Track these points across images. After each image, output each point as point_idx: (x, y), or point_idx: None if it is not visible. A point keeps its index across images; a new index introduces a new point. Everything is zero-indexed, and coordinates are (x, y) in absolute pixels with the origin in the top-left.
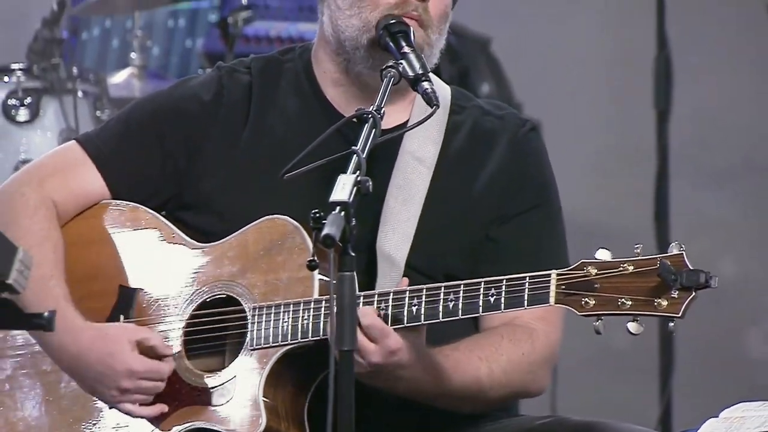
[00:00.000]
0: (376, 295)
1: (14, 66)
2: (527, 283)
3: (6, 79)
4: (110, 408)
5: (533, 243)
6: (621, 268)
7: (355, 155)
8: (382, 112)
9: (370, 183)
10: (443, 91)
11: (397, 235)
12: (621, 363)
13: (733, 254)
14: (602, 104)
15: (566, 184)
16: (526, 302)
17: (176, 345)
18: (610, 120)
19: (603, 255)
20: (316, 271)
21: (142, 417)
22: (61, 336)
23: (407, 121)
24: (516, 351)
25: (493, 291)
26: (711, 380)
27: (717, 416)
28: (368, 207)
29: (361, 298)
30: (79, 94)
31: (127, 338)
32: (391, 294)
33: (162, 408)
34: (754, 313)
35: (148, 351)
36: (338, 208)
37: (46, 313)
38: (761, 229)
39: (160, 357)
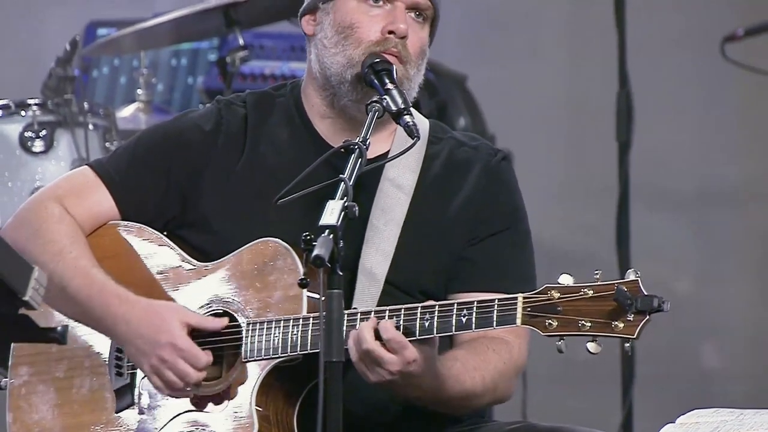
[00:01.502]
0: (359, 313)
1: (30, 101)
2: (496, 306)
3: (23, 113)
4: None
5: (503, 263)
6: (581, 293)
7: (342, 182)
8: (367, 142)
9: (357, 208)
10: (422, 123)
11: (378, 254)
12: (586, 373)
13: (688, 275)
14: (569, 136)
15: (535, 210)
16: (495, 323)
17: None
18: (576, 151)
19: (565, 280)
20: (306, 289)
21: (168, 396)
22: (117, 309)
23: (389, 150)
24: (500, 361)
25: (465, 312)
26: (668, 389)
27: (674, 422)
28: (352, 229)
29: (345, 315)
30: (90, 126)
31: (178, 317)
32: (372, 312)
33: (189, 395)
34: (706, 329)
35: (193, 335)
36: (327, 231)
37: (59, 328)
38: (713, 253)
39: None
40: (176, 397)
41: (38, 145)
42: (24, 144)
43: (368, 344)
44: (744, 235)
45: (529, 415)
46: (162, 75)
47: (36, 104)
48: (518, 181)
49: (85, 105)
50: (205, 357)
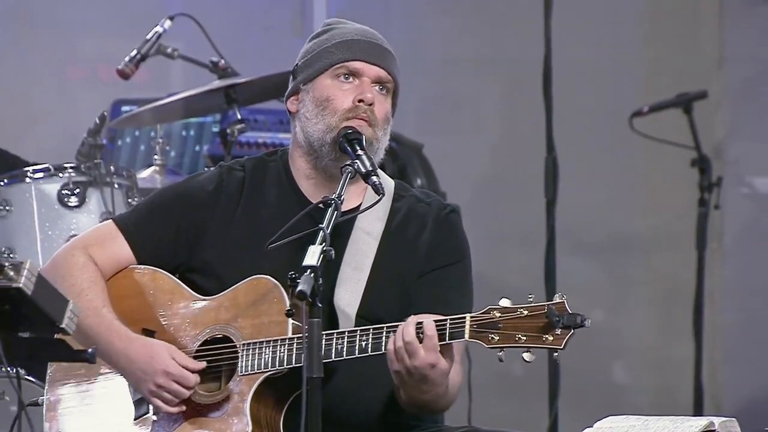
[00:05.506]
0: (344, 333)
1: (66, 165)
2: (448, 323)
3: (60, 175)
4: (142, 402)
5: (450, 290)
6: (518, 312)
7: (321, 231)
8: (342, 198)
9: (333, 252)
10: (388, 182)
11: (350, 292)
12: (520, 386)
13: (602, 306)
14: (506, 194)
15: (478, 254)
16: (447, 337)
17: None
18: (512, 206)
19: (505, 302)
20: (291, 318)
21: (167, 412)
22: (118, 345)
23: (360, 204)
24: (455, 377)
25: (422, 329)
26: (587, 399)
27: (592, 426)
28: (329, 270)
29: (330, 333)
30: (116, 186)
31: (168, 351)
32: (347, 333)
33: (181, 408)
34: (617, 350)
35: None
36: (309, 270)
37: (89, 350)
38: (621, 289)
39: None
40: (173, 412)
41: (73, 201)
42: (61, 200)
43: (409, 336)
44: (646, 275)
45: (474, 420)
46: (174, 143)
47: (71, 167)
48: (465, 229)
49: (112, 168)
50: (194, 377)
